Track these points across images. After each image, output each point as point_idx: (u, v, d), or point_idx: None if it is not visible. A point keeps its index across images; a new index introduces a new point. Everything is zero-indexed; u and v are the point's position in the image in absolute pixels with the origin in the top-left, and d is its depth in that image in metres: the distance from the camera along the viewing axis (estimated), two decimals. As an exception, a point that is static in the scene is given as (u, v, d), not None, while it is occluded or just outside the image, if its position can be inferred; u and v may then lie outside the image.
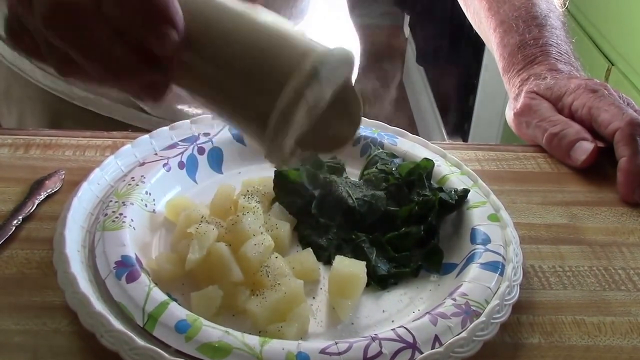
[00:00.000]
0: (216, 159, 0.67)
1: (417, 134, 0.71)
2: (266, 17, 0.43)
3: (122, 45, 0.40)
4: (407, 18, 3.17)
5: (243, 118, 0.43)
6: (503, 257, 0.56)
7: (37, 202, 0.62)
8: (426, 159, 0.65)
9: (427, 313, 0.51)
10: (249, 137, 0.45)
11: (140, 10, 0.39)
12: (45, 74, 0.89)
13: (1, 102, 1.00)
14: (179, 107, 0.86)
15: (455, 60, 2.36)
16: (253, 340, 0.47)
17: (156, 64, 0.41)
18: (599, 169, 0.72)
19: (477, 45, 2.03)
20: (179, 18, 0.40)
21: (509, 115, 0.80)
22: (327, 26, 0.99)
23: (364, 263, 0.55)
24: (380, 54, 2.99)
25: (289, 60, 0.41)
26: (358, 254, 0.58)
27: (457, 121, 2.35)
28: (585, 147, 0.72)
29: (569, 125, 0.74)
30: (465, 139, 2.26)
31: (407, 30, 3.14)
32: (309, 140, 0.43)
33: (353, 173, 0.67)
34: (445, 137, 2.41)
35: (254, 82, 0.41)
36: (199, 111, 0.87)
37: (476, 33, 0.95)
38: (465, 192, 0.62)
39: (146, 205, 0.60)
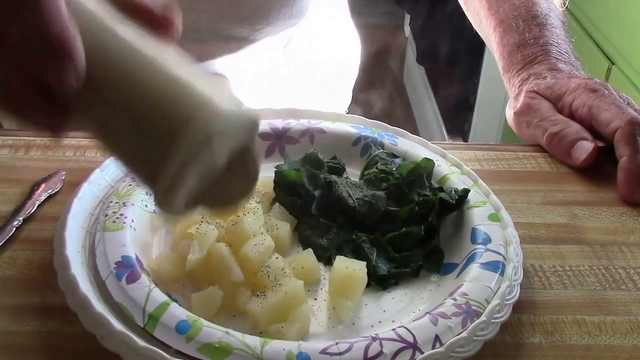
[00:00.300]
0: (216, 160, 0.67)
1: (418, 134, 0.71)
2: (176, 66, 0.41)
3: (19, 76, 0.39)
4: (407, 18, 3.17)
5: (136, 170, 0.43)
6: (503, 256, 0.56)
7: (37, 203, 0.62)
8: (426, 158, 0.65)
9: (427, 313, 0.51)
10: (143, 187, 0.44)
11: (40, 44, 0.38)
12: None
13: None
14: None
15: (455, 60, 2.36)
16: (254, 340, 0.47)
17: (55, 100, 0.40)
18: (599, 168, 0.72)
19: (477, 45, 2.03)
20: (78, 54, 0.39)
21: (509, 114, 0.80)
22: (327, 26, 0.99)
23: (364, 263, 0.55)
24: (380, 53, 2.99)
25: (181, 120, 0.39)
26: (358, 254, 0.58)
27: (458, 121, 2.35)
28: (586, 147, 0.72)
29: (569, 125, 0.74)
30: (465, 139, 2.26)
31: (407, 30, 3.14)
32: (202, 197, 0.43)
33: (353, 173, 0.67)
34: (446, 136, 2.41)
35: (146, 137, 0.40)
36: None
37: (476, 33, 0.95)
38: (466, 191, 0.62)
39: (147, 206, 0.60)
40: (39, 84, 0.39)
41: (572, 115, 0.75)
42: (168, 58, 0.41)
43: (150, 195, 0.42)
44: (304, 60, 0.97)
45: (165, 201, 0.41)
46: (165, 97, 0.40)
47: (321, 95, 0.99)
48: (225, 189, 0.44)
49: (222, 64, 0.88)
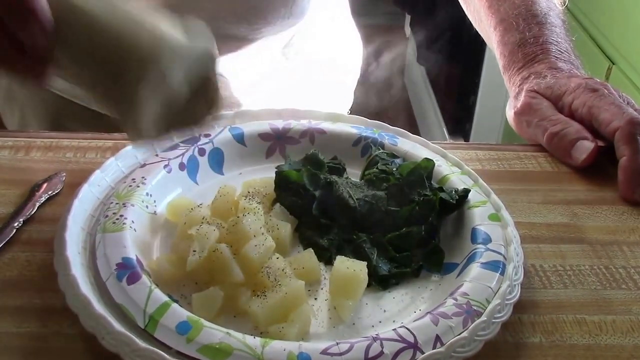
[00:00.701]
0: (217, 160, 0.67)
1: (419, 134, 0.71)
2: (136, 14, 0.49)
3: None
4: (407, 18, 3.17)
5: (106, 102, 0.51)
6: (504, 256, 0.56)
7: (37, 204, 0.62)
8: (426, 158, 0.65)
9: (428, 313, 0.51)
10: (119, 122, 0.52)
11: (10, 6, 0.45)
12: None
13: (4, 102, 1.00)
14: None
15: (456, 59, 2.36)
16: (254, 341, 0.47)
17: (32, 52, 0.47)
18: (599, 168, 0.72)
19: (477, 45, 2.03)
20: (44, 16, 0.45)
21: (510, 114, 0.80)
22: (328, 26, 0.99)
23: (365, 263, 0.55)
24: (381, 53, 2.99)
25: (138, 52, 0.48)
26: (359, 254, 0.58)
27: (458, 120, 2.35)
28: (586, 146, 0.72)
29: (569, 125, 0.74)
30: (466, 139, 2.26)
31: (407, 30, 3.14)
32: (172, 121, 0.51)
33: (354, 173, 0.67)
34: (447, 136, 2.41)
35: (110, 71, 0.49)
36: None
37: (476, 32, 0.95)
38: (466, 191, 0.62)
39: (147, 207, 0.60)
40: (15, 40, 0.45)
41: (572, 115, 0.75)
42: (128, 8, 0.49)
43: (121, 125, 0.51)
44: (305, 60, 0.97)
45: (133, 126, 0.49)
46: (122, 40, 0.48)
47: (322, 96, 0.99)
48: (191, 113, 0.52)
49: (222, 63, 0.88)
